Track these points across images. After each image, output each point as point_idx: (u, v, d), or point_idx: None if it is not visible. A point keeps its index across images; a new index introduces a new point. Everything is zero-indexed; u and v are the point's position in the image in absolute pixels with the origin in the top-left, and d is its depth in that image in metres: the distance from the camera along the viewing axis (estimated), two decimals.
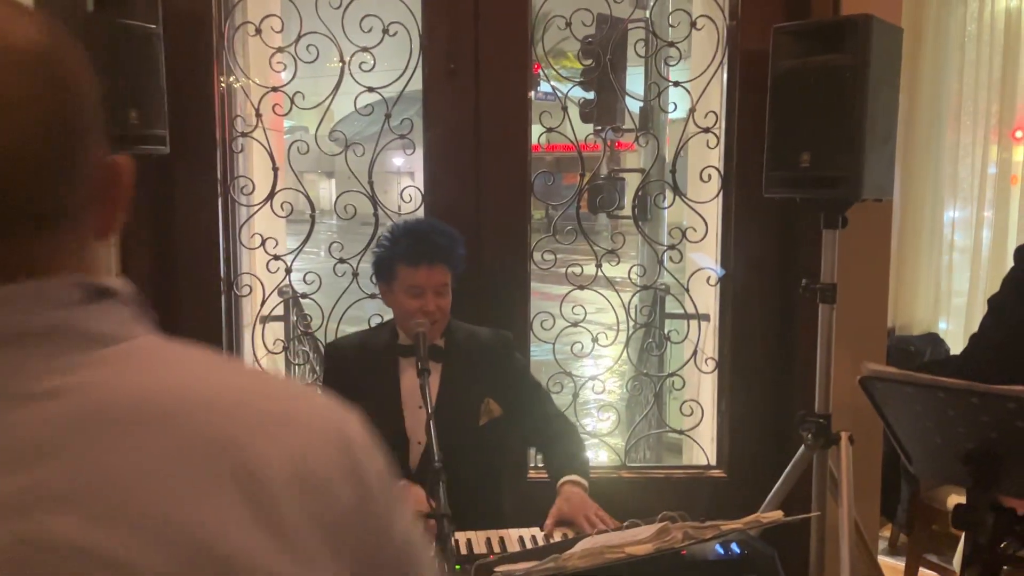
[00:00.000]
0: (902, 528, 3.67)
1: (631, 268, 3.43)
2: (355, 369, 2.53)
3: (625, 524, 2.08)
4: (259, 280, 3.27)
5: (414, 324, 2.39)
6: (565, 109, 3.16)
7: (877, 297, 3.08)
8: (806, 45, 2.66)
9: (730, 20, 3.10)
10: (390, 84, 3.12)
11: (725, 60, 3.13)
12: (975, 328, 4.18)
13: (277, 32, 3.13)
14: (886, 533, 3.87)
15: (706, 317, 3.45)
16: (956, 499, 3.27)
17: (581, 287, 3.16)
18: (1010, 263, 4.07)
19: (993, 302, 2.19)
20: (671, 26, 3.17)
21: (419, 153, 3.17)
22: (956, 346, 4.22)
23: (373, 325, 3.05)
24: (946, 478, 2.08)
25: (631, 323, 3.34)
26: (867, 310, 3.03)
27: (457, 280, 2.54)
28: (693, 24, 3.12)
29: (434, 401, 2.41)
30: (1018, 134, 4.24)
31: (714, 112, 3.16)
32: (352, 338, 2.68)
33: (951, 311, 4.38)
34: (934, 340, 4.13)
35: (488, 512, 2.33)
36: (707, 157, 3.27)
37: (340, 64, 3.06)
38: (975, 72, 4.15)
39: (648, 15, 3.95)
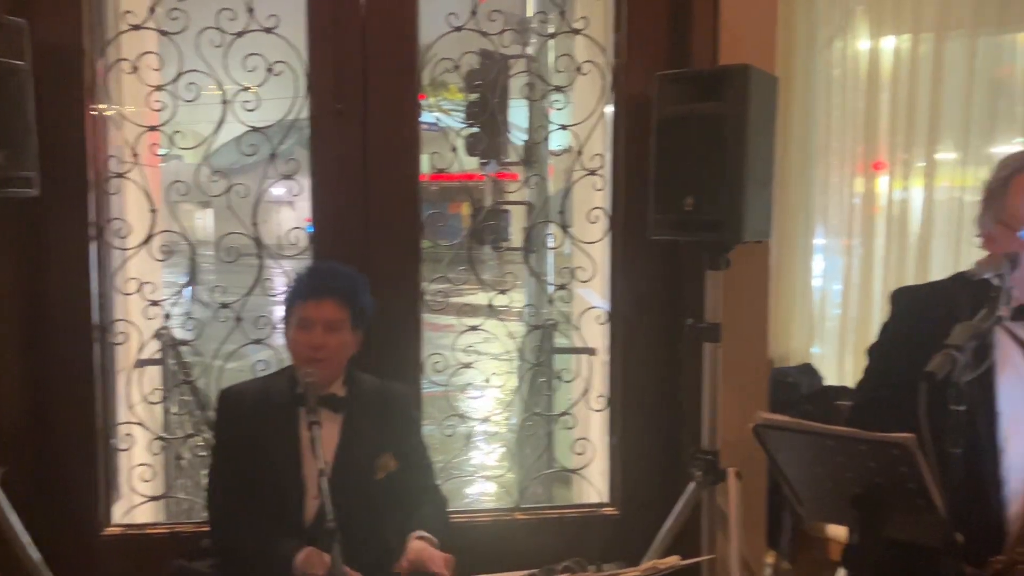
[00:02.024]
0: (786, 557, 3.77)
1: (524, 308, 3.44)
2: (252, 418, 2.43)
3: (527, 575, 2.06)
4: (136, 326, 3.13)
5: (303, 373, 2.33)
6: (455, 149, 3.16)
7: (758, 334, 3.18)
8: (688, 92, 2.73)
9: (615, 66, 3.17)
10: (274, 124, 3.05)
11: (610, 104, 3.19)
12: (847, 351, 4.40)
13: (155, 70, 3.02)
14: (770, 560, 3.97)
15: (592, 351, 3.50)
16: (835, 528, 3.40)
17: (474, 328, 3.16)
18: (877, 287, 4.32)
19: (873, 352, 2.28)
20: (559, 71, 3.21)
21: (298, 183, 3.11)
22: (829, 373, 4.39)
23: (259, 371, 2.96)
24: (835, 520, 2.15)
25: (523, 363, 3.35)
26: (749, 347, 3.13)
27: (360, 326, 2.48)
28: (578, 69, 3.17)
29: (334, 452, 2.36)
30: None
31: (600, 155, 3.21)
32: (248, 385, 2.58)
33: (824, 336, 4.57)
34: (809, 371, 4.28)
35: (383, 567, 2.28)
36: (593, 197, 3.32)
37: (222, 103, 2.98)
38: (841, 113, 4.35)
39: (529, 51, 4.00)
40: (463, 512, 3.28)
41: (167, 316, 3.09)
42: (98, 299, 3.00)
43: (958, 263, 4.16)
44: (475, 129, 4.20)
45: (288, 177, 3.07)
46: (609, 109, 3.24)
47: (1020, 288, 1.96)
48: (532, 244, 3.53)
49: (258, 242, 3.09)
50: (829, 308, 4.56)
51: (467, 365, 3.20)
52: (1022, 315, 1.99)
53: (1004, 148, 4.27)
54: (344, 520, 1.98)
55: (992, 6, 3.97)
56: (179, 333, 3.27)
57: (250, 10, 2.95)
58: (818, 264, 4.52)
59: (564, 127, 3.22)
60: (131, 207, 3.24)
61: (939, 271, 4.18)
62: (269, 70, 2.98)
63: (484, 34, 3.10)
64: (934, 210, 4.23)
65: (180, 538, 3.03)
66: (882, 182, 4.39)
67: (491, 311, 3.21)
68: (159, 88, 2.99)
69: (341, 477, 2.25)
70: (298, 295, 2.44)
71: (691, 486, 2.87)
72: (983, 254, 4.12)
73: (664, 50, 3.14)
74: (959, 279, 2.16)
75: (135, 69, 2.99)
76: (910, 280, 4.21)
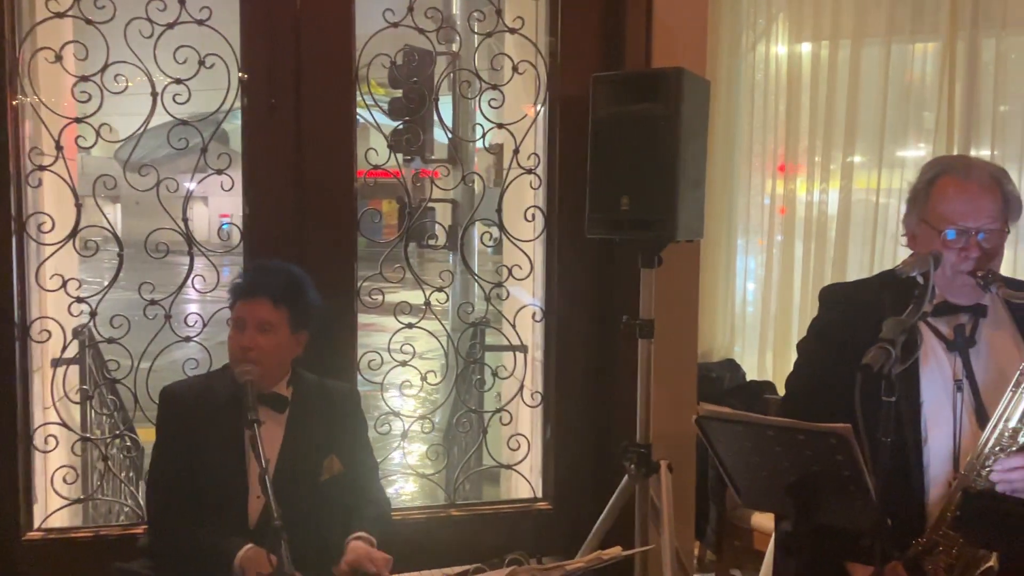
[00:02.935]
0: (710, 546, 3.88)
1: (459, 306, 3.45)
2: (195, 417, 2.36)
3: (471, 569, 2.08)
4: (59, 324, 3.03)
5: (240, 372, 2.29)
6: (391, 147, 3.15)
7: (688, 330, 3.26)
8: (623, 94, 2.79)
9: (549, 66, 3.21)
10: (207, 117, 2.99)
11: (546, 103, 3.23)
12: (768, 349, 4.54)
13: (81, 60, 2.93)
14: (695, 551, 4.07)
15: (524, 348, 3.53)
16: (759, 518, 3.51)
17: (410, 325, 3.16)
18: (796, 285, 4.47)
19: (802, 346, 2.36)
20: (495, 69, 3.23)
21: (213, 177, 3.04)
22: (751, 369, 4.53)
23: (190, 370, 2.90)
24: (772, 508, 2.22)
25: (456, 359, 3.36)
26: (680, 343, 3.21)
27: (303, 328, 2.44)
28: (515, 68, 3.20)
29: (277, 453, 2.33)
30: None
31: (536, 154, 3.25)
32: (190, 383, 2.53)
33: (745, 333, 4.70)
34: (732, 366, 4.41)
35: (324, 569, 2.26)
36: (524, 196, 3.35)
37: (151, 95, 2.91)
38: (763, 116, 4.49)
39: (455, 48, 4.02)
40: (398, 510, 3.27)
41: (93, 314, 2.99)
42: (19, 296, 2.90)
43: (873, 261, 4.35)
44: (399, 125, 4.19)
45: (221, 172, 3.01)
46: (540, 107, 3.28)
47: (940, 285, 2.06)
48: (458, 241, 3.55)
49: (188, 238, 3.03)
50: (750, 306, 4.70)
51: (403, 363, 3.19)
52: (943, 311, 2.10)
53: (911, 152, 4.48)
54: (286, 520, 1.96)
55: (905, 16, 4.14)
56: (102, 331, 3.17)
57: (181, 1, 2.89)
58: (741, 263, 4.66)
59: (500, 126, 3.24)
60: (49, 201, 3.14)
61: (855, 269, 4.36)
62: (201, 63, 2.92)
63: (421, 31, 3.11)
64: (850, 211, 4.40)
65: (106, 542, 2.96)
66: (801, 184, 4.54)
67: (413, 309, 3.20)
68: (85, 79, 2.90)
69: (284, 477, 2.23)
70: (235, 294, 2.41)
71: (625, 479, 2.92)
72: (894, 250, 4.34)
73: (598, 52, 3.19)
74: (883, 277, 2.26)
75: (59, 58, 2.90)
76: (828, 278, 4.38)
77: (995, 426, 1.94)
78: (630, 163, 2.74)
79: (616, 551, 2.09)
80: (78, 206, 2.95)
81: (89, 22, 2.89)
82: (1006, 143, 4.23)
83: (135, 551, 2.49)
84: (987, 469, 1.92)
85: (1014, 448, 1.92)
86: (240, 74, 2.96)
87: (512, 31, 3.20)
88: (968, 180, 2.05)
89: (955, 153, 4.18)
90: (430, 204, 4.65)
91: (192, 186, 3.10)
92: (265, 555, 1.92)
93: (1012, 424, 1.92)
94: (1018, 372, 1.95)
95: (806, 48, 4.38)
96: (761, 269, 4.64)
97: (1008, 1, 3.96)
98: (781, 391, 4.28)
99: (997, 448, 1.92)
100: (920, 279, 1.93)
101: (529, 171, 3.23)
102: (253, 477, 2.27)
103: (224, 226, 3.06)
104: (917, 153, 4.54)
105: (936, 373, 2.09)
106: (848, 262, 4.38)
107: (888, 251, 4.40)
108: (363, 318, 3.23)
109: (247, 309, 2.36)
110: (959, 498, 1.92)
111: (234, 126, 3.08)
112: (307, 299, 2.45)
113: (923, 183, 2.11)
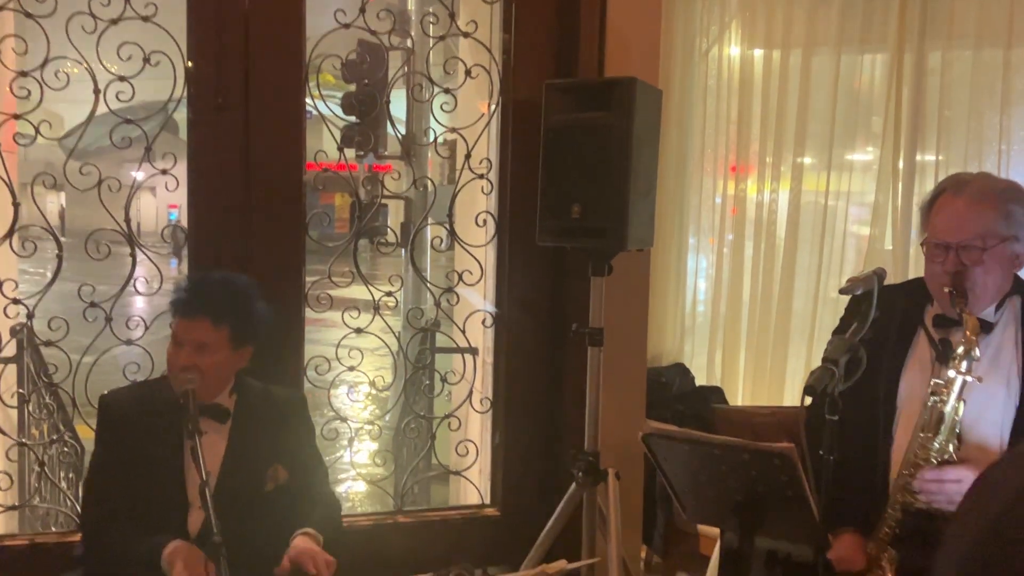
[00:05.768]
0: (657, 551, 3.90)
1: (409, 312, 3.42)
2: (134, 426, 2.30)
3: None
4: None
5: (183, 379, 2.24)
6: (342, 150, 3.11)
7: (638, 338, 3.26)
8: (576, 102, 2.78)
9: (503, 71, 3.19)
10: (152, 115, 2.92)
11: (498, 107, 3.21)
12: (717, 349, 4.57)
13: (20, 55, 2.84)
14: (642, 554, 4.09)
15: (475, 351, 3.51)
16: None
17: (359, 330, 3.12)
18: (747, 287, 4.51)
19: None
20: (447, 73, 3.20)
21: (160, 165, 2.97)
22: (700, 371, 4.56)
23: (131, 374, 2.84)
24: (716, 524, 2.24)
25: (405, 362, 3.33)
26: (629, 350, 3.21)
27: (247, 342, 2.38)
28: (468, 72, 3.17)
29: (220, 463, 2.28)
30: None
31: (488, 159, 3.23)
32: (130, 391, 2.47)
33: (695, 333, 4.74)
34: (681, 370, 4.43)
35: None
36: (477, 200, 3.33)
37: (94, 92, 2.83)
38: (715, 119, 4.53)
39: (409, 44, 3.97)
40: (345, 516, 3.24)
41: (31, 316, 2.91)
42: None
43: (821, 261, 4.42)
44: (352, 119, 4.15)
45: (166, 172, 2.94)
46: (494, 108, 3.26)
47: (937, 299, 2.12)
48: (411, 241, 3.52)
49: (131, 239, 2.96)
50: (700, 304, 4.74)
51: (351, 368, 3.15)
52: (941, 323, 2.13)
53: (859, 156, 4.55)
54: (230, 532, 1.92)
55: (854, 27, 4.20)
56: (40, 333, 3.08)
57: None
58: (692, 262, 4.69)
59: (453, 130, 3.21)
60: None
61: (804, 269, 4.43)
62: (146, 60, 2.85)
63: (372, 32, 3.06)
64: (799, 212, 4.46)
65: (42, 550, 2.88)
66: (751, 185, 4.59)
67: (361, 309, 3.16)
68: (23, 74, 2.81)
69: (226, 490, 2.18)
70: (174, 309, 2.34)
71: (572, 487, 2.91)
72: (842, 251, 4.42)
73: (551, 57, 3.18)
74: (908, 284, 2.32)
75: None
76: (777, 277, 4.44)
77: (914, 439, 1.98)
78: (581, 171, 2.73)
79: (561, 564, 2.08)
80: (16, 205, 2.86)
81: (29, 16, 2.80)
82: (951, 147, 4.31)
83: (70, 561, 2.43)
84: (915, 478, 1.96)
85: (930, 458, 1.97)
86: (187, 63, 2.89)
87: (466, 35, 3.18)
88: (957, 197, 2.07)
89: (901, 157, 4.26)
90: (383, 201, 4.60)
91: (138, 175, 3.02)
92: (193, 548, 1.88)
93: (925, 436, 1.97)
94: (929, 388, 1.99)
95: (758, 54, 4.42)
96: (712, 268, 4.68)
97: (954, 17, 4.03)
98: (729, 398, 4.34)
99: (922, 459, 1.97)
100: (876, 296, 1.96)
101: (481, 176, 3.21)
102: (193, 489, 2.22)
103: (172, 216, 2.98)
104: (865, 157, 4.61)
105: (917, 380, 2.13)
106: (797, 261, 4.44)
107: (836, 251, 4.48)
108: (310, 313, 3.19)
109: (185, 328, 2.29)
110: (898, 516, 1.96)
111: (181, 115, 3.01)
112: (250, 314, 2.38)
113: (929, 198, 2.15)
